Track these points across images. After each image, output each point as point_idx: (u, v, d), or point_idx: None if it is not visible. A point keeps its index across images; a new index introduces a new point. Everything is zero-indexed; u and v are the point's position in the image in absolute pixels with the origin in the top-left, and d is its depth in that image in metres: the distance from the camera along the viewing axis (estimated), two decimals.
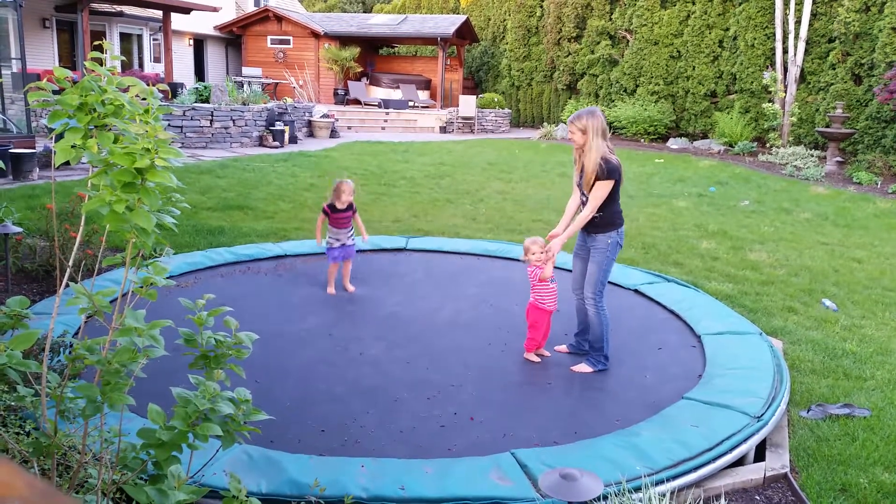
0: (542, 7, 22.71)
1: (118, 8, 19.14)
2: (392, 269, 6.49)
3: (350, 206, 5.81)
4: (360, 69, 23.35)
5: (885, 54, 15.05)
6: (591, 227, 4.35)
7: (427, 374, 4.32)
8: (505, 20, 24.52)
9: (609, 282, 4.75)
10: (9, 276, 5.40)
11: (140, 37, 21.23)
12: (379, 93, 22.94)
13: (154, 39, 21.59)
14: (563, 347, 4.73)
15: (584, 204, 4.38)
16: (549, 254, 4.38)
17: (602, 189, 4.21)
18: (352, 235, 5.86)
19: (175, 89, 15.92)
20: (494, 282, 6.19)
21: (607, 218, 4.31)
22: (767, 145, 17.49)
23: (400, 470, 3.06)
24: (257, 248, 6.78)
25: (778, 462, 3.49)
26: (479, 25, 25.38)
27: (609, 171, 4.19)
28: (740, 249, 7.96)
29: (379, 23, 23.52)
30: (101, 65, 2.03)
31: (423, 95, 23.16)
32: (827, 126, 15.50)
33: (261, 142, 15.35)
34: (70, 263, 2.22)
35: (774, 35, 17.50)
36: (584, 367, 4.41)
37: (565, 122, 20.78)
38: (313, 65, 22.97)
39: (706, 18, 18.98)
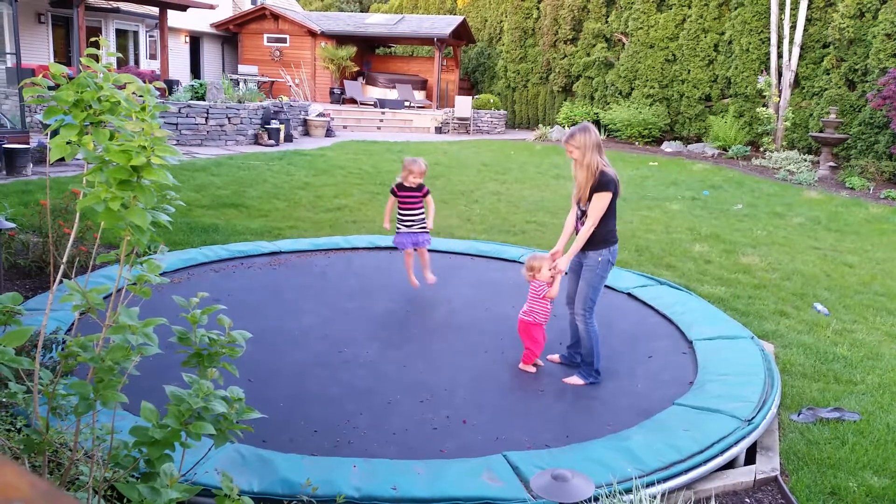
0: (538, 9, 22.72)
1: (114, 4, 19.07)
2: (387, 266, 6.49)
3: (420, 187, 5.50)
4: (356, 68, 23.32)
5: (878, 60, 15.13)
6: (584, 244, 4.31)
7: (421, 375, 4.32)
8: (501, 21, 24.52)
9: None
10: (1, 271, 5.37)
11: (136, 33, 21.15)
12: (375, 92, 22.91)
13: (150, 36, 21.52)
14: (556, 357, 4.69)
15: (580, 220, 4.34)
16: (555, 271, 4.35)
17: (600, 201, 4.18)
18: (423, 221, 5.56)
19: (171, 86, 15.88)
20: (489, 283, 6.20)
21: (600, 235, 4.25)
22: (761, 149, 17.55)
23: (392, 470, 3.06)
24: (252, 245, 6.78)
25: (768, 465, 3.51)
26: (476, 26, 25.37)
27: (605, 182, 4.16)
28: (733, 253, 7.99)
29: (376, 22, 23.50)
30: (98, 61, 2.03)
31: (420, 96, 23.14)
32: (820, 131, 15.57)
33: (256, 140, 15.32)
34: (64, 260, 2.22)
35: (769, 40, 17.57)
36: (575, 380, 4.37)
37: (561, 125, 21.02)
38: (310, 63, 22.92)
39: (702, 22, 19.03)
